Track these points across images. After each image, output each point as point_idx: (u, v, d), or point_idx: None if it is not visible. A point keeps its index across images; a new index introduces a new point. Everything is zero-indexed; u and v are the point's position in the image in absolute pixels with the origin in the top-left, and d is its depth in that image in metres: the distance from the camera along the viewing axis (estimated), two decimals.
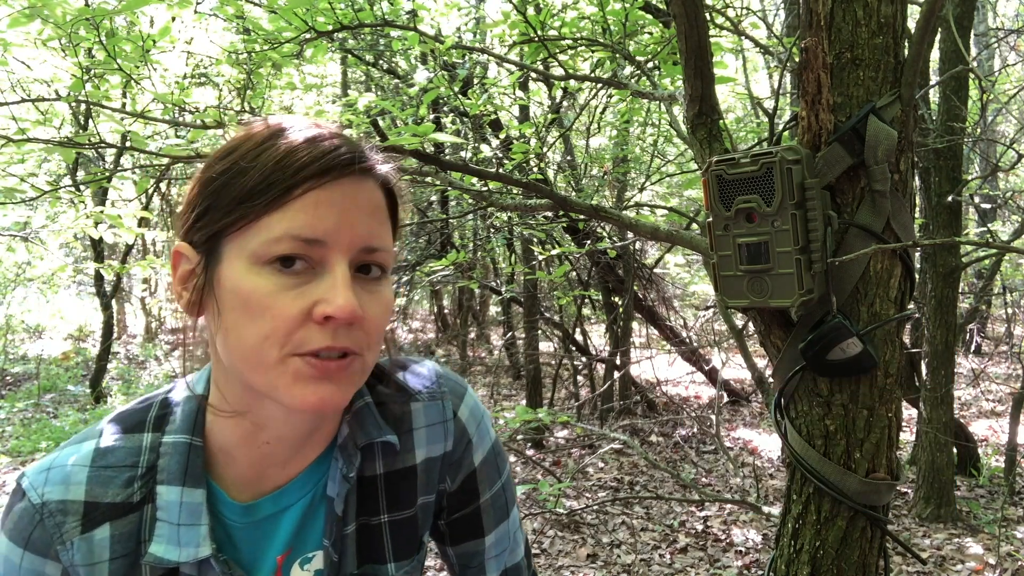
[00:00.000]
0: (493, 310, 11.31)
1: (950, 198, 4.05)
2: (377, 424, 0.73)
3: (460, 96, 4.66)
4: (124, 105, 3.29)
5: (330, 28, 2.71)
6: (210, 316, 0.64)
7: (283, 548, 0.71)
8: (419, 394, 0.78)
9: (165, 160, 2.65)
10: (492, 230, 6.97)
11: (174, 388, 0.72)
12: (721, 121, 1.67)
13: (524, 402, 6.53)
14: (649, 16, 3.19)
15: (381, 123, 5.91)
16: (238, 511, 0.69)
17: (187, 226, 0.64)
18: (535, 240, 6.50)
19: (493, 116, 5.59)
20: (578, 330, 7.18)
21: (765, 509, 3.63)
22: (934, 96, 4.93)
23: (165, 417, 0.69)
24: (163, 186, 10.30)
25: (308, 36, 2.69)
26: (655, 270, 7.35)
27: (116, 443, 0.67)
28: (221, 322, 0.62)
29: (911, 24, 1.53)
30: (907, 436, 5.46)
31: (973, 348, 9.08)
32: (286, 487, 0.71)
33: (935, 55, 4.48)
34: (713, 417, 5.80)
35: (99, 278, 8.21)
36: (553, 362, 7.60)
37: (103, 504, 0.64)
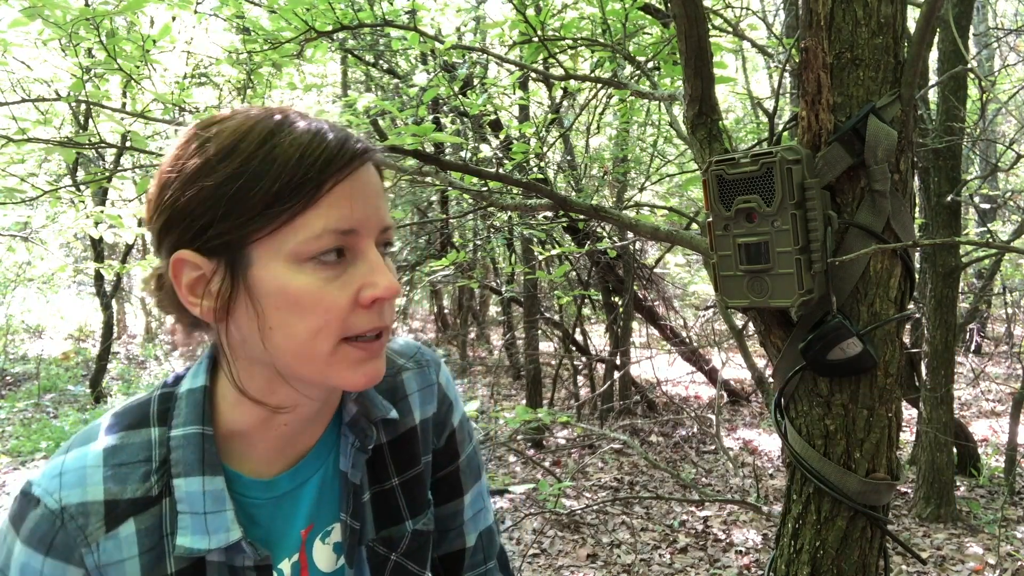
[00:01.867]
0: (493, 310, 11.31)
1: (950, 198, 4.05)
2: (380, 401, 0.78)
3: (460, 96, 4.66)
4: (124, 105, 3.29)
5: (330, 28, 2.71)
6: (243, 319, 0.65)
7: (305, 522, 0.74)
8: (406, 365, 0.84)
9: None
10: (492, 230, 6.97)
11: (168, 383, 0.73)
12: (721, 121, 1.67)
13: (524, 402, 6.53)
14: (649, 16, 3.19)
15: (381, 123, 5.91)
16: (260, 487, 0.71)
17: (188, 235, 0.64)
18: (535, 240, 6.50)
19: (493, 116, 5.59)
20: (578, 330, 7.18)
21: (765, 509, 3.63)
22: (934, 96, 4.93)
23: (168, 411, 0.70)
24: None
25: (308, 36, 2.69)
26: (655, 270, 7.36)
27: (125, 440, 0.68)
28: (263, 322, 0.64)
29: (911, 24, 1.53)
30: (907, 436, 5.46)
31: (973, 348, 9.08)
32: (301, 463, 0.74)
33: (934, 55, 4.48)
34: (713, 417, 5.80)
35: (99, 278, 8.22)
36: (553, 362, 7.60)
37: (123, 501, 0.65)
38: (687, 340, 7.18)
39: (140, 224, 3.63)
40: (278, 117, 0.65)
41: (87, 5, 2.61)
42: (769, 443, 5.90)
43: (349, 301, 0.64)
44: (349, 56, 6.44)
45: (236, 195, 0.62)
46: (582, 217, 4.26)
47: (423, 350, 0.87)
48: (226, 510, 0.66)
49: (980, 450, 5.05)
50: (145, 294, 0.72)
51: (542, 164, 5.10)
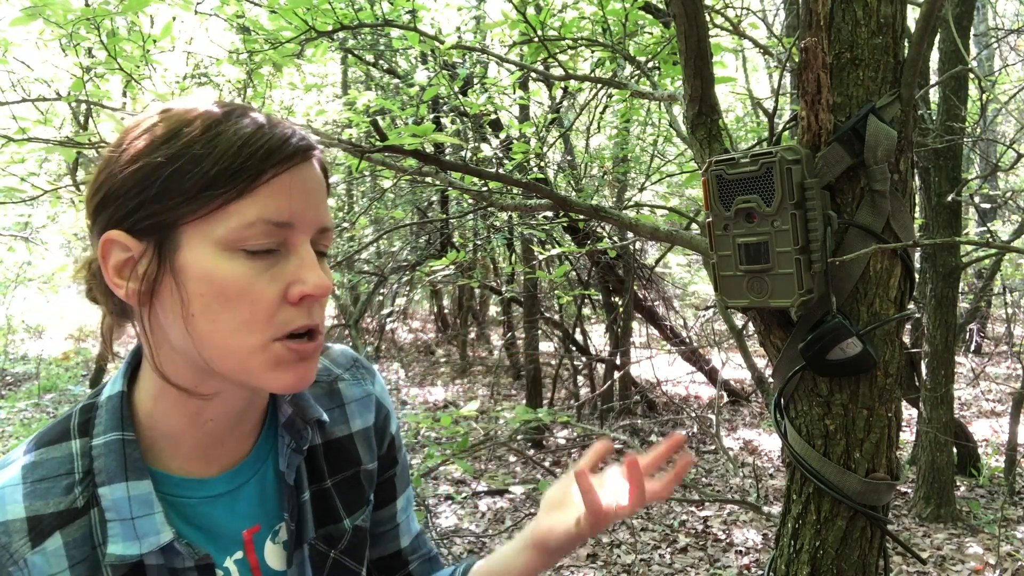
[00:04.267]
0: (493, 310, 11.31)
1: (950, 198, 4.05)
2: (314, 404, 0.79)
3: (460, 96, 4.66)
4: (124, 105, 3.29)
5: (330, 28, 2.71)
6: (168, 304, 0.64)
7: (249, 523, 0.74)
8: (343, 374, 0.85)
9: None
10: (492, 230, 6.97)
11: (91, 396, 0.72)
12: (721, 121, 1.67)
13: (524, 402, 6.53)
14: (649, 16, 3.19)
15: (381, 122, 5.91)
16: (192, 486, 0.70)
17: (120, 214, 0.63)
18: (535, 240, 6.50)
19: (493, 116, 5.59)
20: (578, 330, 7.18)
21: (765, 509, 3.63)
22: (934, 96, 4.93)
23: (89, 421, 0.69)
24: None
25: (308, 36, 2.70)
26: (655, 270, 7.36)
27: (44, 456, 0.67)
28: (186, 308, 0.62)
29: (911, 24, 1.53)
30: (907, 436, 5.46)
31: (973, 348, 9.08)
32: (241, 465, 0.74)
33: (935, 55, 4.48)
34: (713, 417, 5.80)
35: None
36: (553, 362, 7.60)
37: (47, 515, 0.64)
38: (687, 340, 7.18)
39: None
40: (227, 109, 0.65)
41: (87, 5, 2.61)
42: (769, 443, 5.90)
43: (277, 295, 0.63)
44: (349, 56, 6.44)
45: (171, 176, 0.61)
46: (582, 217, 4.27)
47: (359, 359, 0.88)
48: (155, 512, 0.66)
49: (980, 450, 5.05)
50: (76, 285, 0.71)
51: (542, 164, 5.10)
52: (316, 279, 0.64)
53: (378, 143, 2.36)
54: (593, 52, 3.57)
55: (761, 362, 4.66)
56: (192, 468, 0.71)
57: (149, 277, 0.63)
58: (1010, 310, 8.45)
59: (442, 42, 3.11)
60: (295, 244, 0.64)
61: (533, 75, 4.66)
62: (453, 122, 6.00)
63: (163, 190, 0.61)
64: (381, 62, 6.45)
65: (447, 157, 4.84)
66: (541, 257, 6.05)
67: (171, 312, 0.64)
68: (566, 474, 0.81)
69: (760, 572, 3.63)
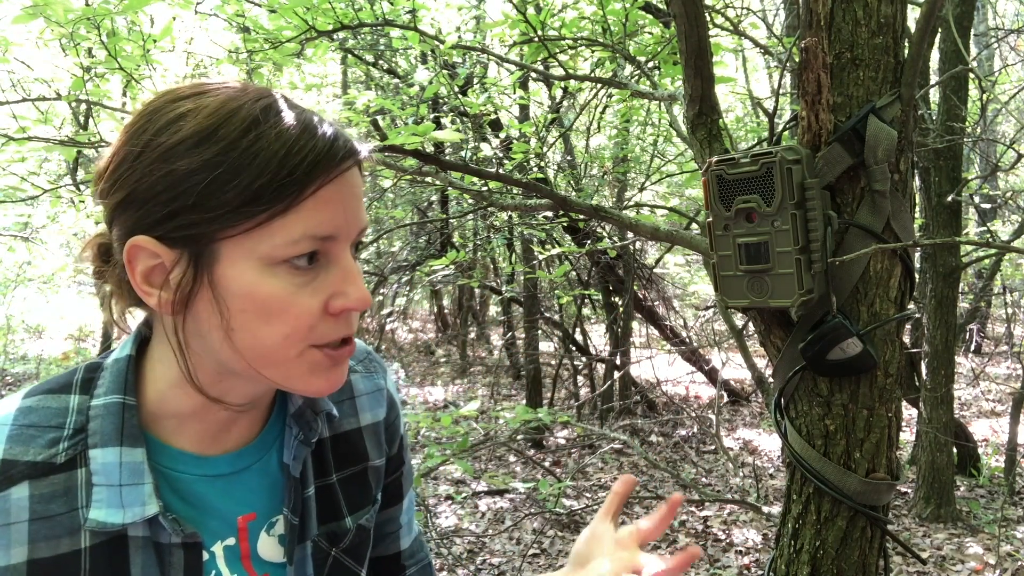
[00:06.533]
0: (493, 310, 11.31)
1: (950, 198, 4.05)
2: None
3: (460, 96, 4.66)
4: (124, 105, 3.29)
5: (330, 27, 2.71)
6: (203, 315, 0.61)
7: (245, 510, 0.71)
8: (355, 367, 0.83)
9: None
10: (492, 230, 6.97)
11: (98, 357, 0.71)
12: (721, 121, 1.67)
13: (524, 402, 6.53)
14: (649, 16, 3.19)
15: (381, 122, 5.92)
16: (191, 462, 0.69)
17: (150, 219, 0.59)
18: (535, 240, 6.50)
19: (493, 116, 5.59)
20: (578, 330, 7.18)
21: (765, 509, 3.63)
22: (934, 96, 4.93)
23: (92, 380, 0.67)
24: None
25: (308, 36, 2.70)
26: (655, 270, 7.36)
27: (41, 403, 0.65)
28: (225, 323, 0.60)
29: (911, 24, 1.53)
30: (907, 436, 5.46)
31: (973, 348, 9.09)
32: (244, 448, 0.72)
33: (935, 55, 4.49)
34: (713, 417, 5.80)
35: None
36: (553, 362, 7.60)
37: (21, 463, 0.61)
38: (687, 340, 7.18)
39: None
40: (264, 102, 0.61)
41: (87, 5, 2.62)
42: (769, 443, 5.90)
43: (318, 308, 0.61)
44: (349, 56, 6.44)
45: (210, 186, 0.57)
46: (582, 217, 4.26)
47: (372, 354, 0.86)
48: (144, 483, 0.63)
49: (980, 450, 5.06)
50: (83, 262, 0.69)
51: (542, 164, 5.10)
52: (359, 293, 0.62)
53: (378, 143, 2.36)
54: (593, 52, 3.57)
55: (761, 362, 4.66)
56: (193, 446, 0.69)
57: (184, 289, 0.60)
58: (1010, 310, 8.46)
59: (442, 42, 3.11)
60: (336, 255, 0.62)
61: (533, 75, 4.65)
62: (453, 122, 6.00)
63: (201, 200, 0.58)
64: (381, 62, 6.45)
65: (447, 157, 4.84)
66: (541, 257, 6.05)
67: (207, 323, 0.61)
68: (594, 524, 0.78)
69: (760, 572, 3.63)
